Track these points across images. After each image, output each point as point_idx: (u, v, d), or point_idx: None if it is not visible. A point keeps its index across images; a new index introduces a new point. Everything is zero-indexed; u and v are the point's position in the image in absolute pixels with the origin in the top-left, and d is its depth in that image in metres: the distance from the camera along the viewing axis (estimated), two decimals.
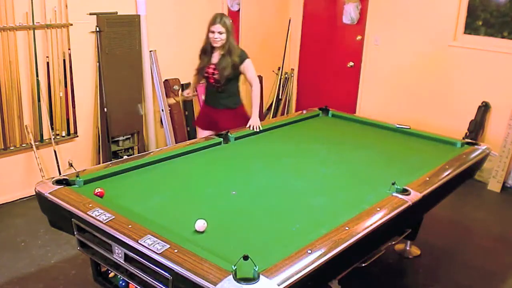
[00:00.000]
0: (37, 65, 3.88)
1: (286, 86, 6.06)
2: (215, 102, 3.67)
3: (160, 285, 1.82)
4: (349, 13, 5.36)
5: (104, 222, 2.01)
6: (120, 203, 2.24)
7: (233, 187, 2.55)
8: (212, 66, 3.53)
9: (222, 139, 3.20)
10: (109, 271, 2.32)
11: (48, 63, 3.95)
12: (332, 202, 2.43)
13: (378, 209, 2.25)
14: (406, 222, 2.73)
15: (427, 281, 3.16)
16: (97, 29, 4.15)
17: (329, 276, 2.12)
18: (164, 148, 3.21)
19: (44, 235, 3.48)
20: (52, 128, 4.07)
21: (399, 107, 5.22)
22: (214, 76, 3.53)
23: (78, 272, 3.09)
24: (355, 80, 5.58)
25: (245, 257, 1.67)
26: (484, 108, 4.66)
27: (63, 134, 4.17)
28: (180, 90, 4.85)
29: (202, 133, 3.74)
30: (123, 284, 2.28)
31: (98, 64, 4.24)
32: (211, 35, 3.47)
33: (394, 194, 2.42)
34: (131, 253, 1.91)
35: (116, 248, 1.97)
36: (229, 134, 3.26)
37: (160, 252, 1.80)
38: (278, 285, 1.65)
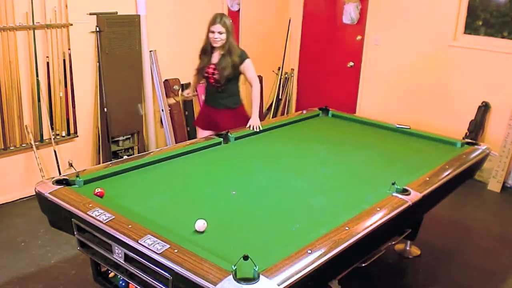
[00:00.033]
0: (37, 65, 3.88)
1: (286, 86, 6.06)
2: (215, 102, 3.67)
3: (160, 285, 1.82)
4: (349, 13, 5.36)
5: (104, 222, 2.01)
6: (120, 203, 2.24)
7: (233, 187, 2.55)
8: (212, 66, 3.53)
9: (222, 139, 3.20)
10: (109, 271, 2.32)
11: (48, 63, 3.95)
12: (332, 202, 2.43)
13: (378, 209, 2.25)
14: (406, 222, 2.73)
15: (427, 281, 3.16)
16: (97, 29, 4.15)
17: (329, 276, 2.12)
18: (164, 148, 3.21)
19: (44, 235, 3.48)
20: (52, 128, 4.07)
21: (399, 107, 5.22)
22: (214, 76, 3.53)
23: (78, 272, 3.09)
24: (355, 80, 5.58)
25: (245, 257, 1.67)
26: (484, 108, 4.66)
27: (63, 134, 4.17)
28: (180, 90, 4.85)
29: (202, 133, 3.74)
30: (123, 284, 2.28)
31: (98, 64, 4.24)
32: (211, 35, 3.47)
33: (394, 194, 2.42)
34: (131, 253, 1.91)
35: (116, 248, 1.97)
36: (229, 134, 3.26)
37: (160, 252, 1.80)
38: (278, 285, 1.65)
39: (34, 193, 2.36)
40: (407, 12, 5.03)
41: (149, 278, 1.87)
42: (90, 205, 2.13)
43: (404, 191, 2.44)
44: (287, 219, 2.24)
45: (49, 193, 2.27)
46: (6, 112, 3.79)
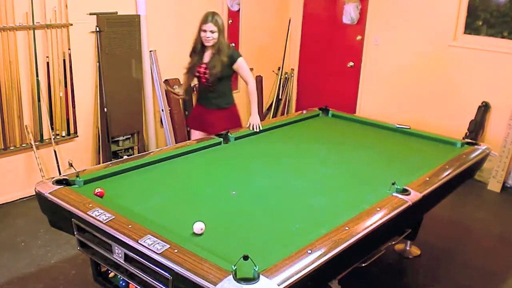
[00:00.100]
0: (37, 65, 3.88)
1: (286, 86, 6.06)
2: (207, 102, 3.62)
3: (160, 285, 1.82)
4: (349, 13, 5.36)
5: (104, 222, 2.01)
6: (120, 203, 2.24)
7: (233, 187, 2.55)
8: (204, 66, 3.47)
9: (222, 139, 3.20)
10: (109, 271, 2.32)
11: (48, 63, 3.95)
12: (332, 202, 2.43)
13: (378, 209, 2.25)
14: (406, 222, 2.73)
15: (427, 281, 3.16)
16: (97, 29, 4.15)
17: (329, 276, 2.12)
18: (164, 148, 3.21)
19: (44, 235, 3.48)
20: (52, 128, 4.07)
21: (399, 107, 5.22)
22: (206, 75, 3.47)
23: (78, 272, 3.09)
24: (355, 80, 5.58)
25: (245, 257, 1.67)
26: (484, 108, 4.66)
27: (63, 134, 4.17)
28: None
29: (194, 134, 3.72)
30: (123, 284, 2.28)
31: (98, 64, 4.24)
32: (202, 34, 3.40)
33: (394, 194, 2.42)
34: (131, 253, 1.91)
35: (116, 248, 1.97)
36: (229, 134, 3.26)
37: (160, 252, 1.80)
38: (278, 285, 1.65)
39: (34, 193, 2.36)
40: (407, 12, 5.03)
41: (149, 278, 1.87)
42: (90, 205, 2.13)
43: (404, 191, 2.44)
44: (287, 219, 2.24)
45: (49, 193, 2.27)
46: (6, 112, 3.79)
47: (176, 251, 1.80)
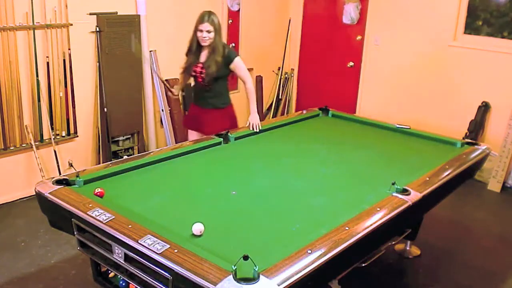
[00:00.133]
0: (37, 65, 3.88)
1: (286, 86, 6.06)
2: (203, 102, 3.60)
3: (160, 285, 1.82)
4: (349, 13, 5.36)
5: (104, 222, 2.01)
6: (120, 203, 2.24)
7: (233, 187, 2.54)
8: (200, 65, 3.45)
9: (222, 139, 3.20)
10: (109, 271, 2.32)
11: (48, 63, 3.95)
12: (332, 202, 2.43)
13: (378, 209, 2.25)
14: (406, 222, 2.73)
15: (427, 281, 3.16)
16: (97, 29, 4.15)
17: (329, 276, 2.12)
18: (164, 148, 3.21)
19: (44, 235, 3.48)
20: (52, 128, 4.07)
21: (399, 107, 5.22)
22: (202, 75, 3.45)
23: (78, 272, 3.09)
24: (355, 80, 5.58)
25: (245, 257, 1.67)
26: (484, 108, 4.66)
27: (63, 134, 4.17)
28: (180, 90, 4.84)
29: (191, 134, 3.71)
30: (123, 284, 2.28)
31: (98, 64, 4.24)
32: (199, 34, 3.37)
33: (394, 194, 2.42)
34: (131, 253, 1.91)
35: (116, 248, 1.97)
36: (229, 134, 3.26)
37: (160, 252, 1.80)
38: (278, 285, 1.65)
39: (34, 193, 2.36)
40: (407, 12, 5.03)
41: (149, 278, 1.87)
42: (90, 205, 2.13)
43: (404, 191, 2.44)
44: (287, 219, 2.24)
45: (49, 193, 2.27)
46: (6, 112, 3.79)
47: (176, 251, 1.80)
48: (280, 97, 6.02)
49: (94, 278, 2.42)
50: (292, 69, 6.09)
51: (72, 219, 2.15)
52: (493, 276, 3.25)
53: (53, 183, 2.35)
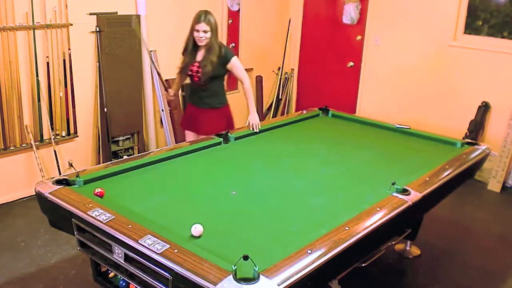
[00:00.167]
0: (37, 65, 3.88)
1: (286, 86, 6.06)
2: (199, 102, 3.59)
3: (160, 285, 1.82)
4: (349, 13, 5.36)
5: (104, 222, 2.01)
6: (120, 203, 2.24)
7: (233, 187, 2.54)
8: (196, 64, 3.44)
9: (222, 139, 3.20)
10: (109, 271, 2.32)
11: (48, 63, 3.95)
12: (332, 202, 2.43)
13: (378, 209, 2.25)
14: (406, 222, 2.73)
15: (427, 281, 3.16)
16: (97, 29, 4.15)
17: (329, 276, 2.12)
18: (164, 148, 3.21)
19: (44, 235, 3.48)
20: (52, 128, 4.07)
21: (399, 107, 5.22)
22: (198, 74, 3.44)
23: (78, 272, 3.09)
24: (355, 80, 5.58)
25: (245, 257, 1.67)
26: (484, 108, 4.66)
27: (63, 134, 4.17)
28: (180, 90, 4.84)
29: (188, 135, 3.71)
30: (123, 284, 2.28)
31: (98, 64, 4.24)
32: (195, 33, 3.36)
33: (394, 194, 2.42)
34: (131, 253, 1.91)
35: (116, 248, 1.97)
36: (229, 134, 3.26)
37: (160, 252, 1.80)
38: (278, 285, 1.65)
39: (34, 193, 2.36)
40: (407, 12, 5.03)
41: (149, 278, 1.87)
42: (90, 205, 2.13)
43: (404, 191, 2.44)
44: (287, 219, 2.24)
45: (49, 193, 2.27)
46: (6, 112, 3.79)
47: (176, 251, 1.80)
48: (280, 97, 6.02)
49: (94, 278, 2.42)
50: (292, 69, 6.09)
51: (72, 219, 2.15)
52: (493, 276, 3.25)
53: (53, 183, 2.35)
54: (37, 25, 3.81)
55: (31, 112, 3.95)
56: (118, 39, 4.28)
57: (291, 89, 6.11)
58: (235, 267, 1.66)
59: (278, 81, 5.98)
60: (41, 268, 3.14)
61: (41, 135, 4.03)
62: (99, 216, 2.04)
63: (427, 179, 2.63)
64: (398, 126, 3.62)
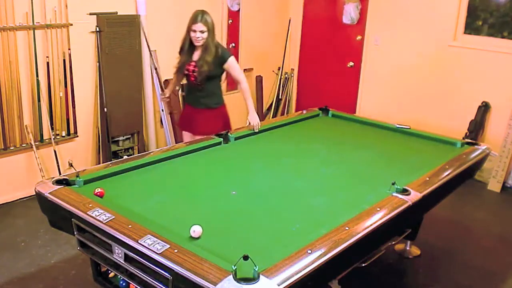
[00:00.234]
0: (37, 65, 3.88)
1: (286, 86, 6.06)
2: (195, 102, 3.57)
3: (160, 285, 1.82)
4: (349, 13, 5.36)
5: (104, 222, 2.01)
6: (120, 203, 2.24)
7: (233, 187, 2.55)
8: (193, 64, 3.43)
9: (222, 139, 3.20)
10: (109, 271, 2.32)
11: (48, 63, 3.95)
12: (332, 202, 2.43)
13: (378, 209, 2.25)
14: (406, 222, 2.73)
15: (427, 281, 3.16)
16: (97, 29, 4.15)
17: (329, 276, 2.12)
18: (164, 148, 3.21)
19: (44, 235, 3.48)
20: (52, 128, 4.07)
21: (399, 107, 5.22)
22: (195, 73, 3.43)
23: (78, 272, 3.09)
24: (355, 80, 5.58)
25: (245, 257, 1.67)
26: (484, 108, 4.66)
27: (63, 134, 4.17)
28: (180, 90, 4.85)
29: (185, 135, 3.70)
30: (123, 284, 2.28)
31: (98, 64, 4.24)
32: (192, 34, 3.35)
33: (394, 194, 2.42)
34: (131, 253, 1.91)
35: (116, 248, 1.97)
36: (229, 134, 3.26)
37: (160, 252, 1.80)
38: (278, 285, 1.65)
39: (34, 193, 2.36)
40: (407, 12, 5.03)
41: (149, 278, 1.87)
42: (90, 205, 2.13)
43: (404, 191, 2.44)
44: (287, 219, 2.24)
45: (49, 193, 2.27)
46: (6, 112, 3.79)
47: (176, 251, 1.80)
48: (280, 97, 6.02)
49: (94, 278, 2.42)
50: (292, 69, 6.09)
51: (72, 219, 2.15)
52: (493, 276, 3.25)
53: (53, 183, 2.35)
54: (37, 25, 3.81)
55: (31, 112, 3.95)
56: (118, 39, 4.28)
57: (291, 89, 6.11)
58: (235, 267, 1.66)
59: (278, 81, 5.98)
60: (41, 268, 3.14)
61: (41, 135, 4.03)
62: (99, 216, 2.04)
63: (427, 179, 2.63)
64: (398, 126, 3.62)
